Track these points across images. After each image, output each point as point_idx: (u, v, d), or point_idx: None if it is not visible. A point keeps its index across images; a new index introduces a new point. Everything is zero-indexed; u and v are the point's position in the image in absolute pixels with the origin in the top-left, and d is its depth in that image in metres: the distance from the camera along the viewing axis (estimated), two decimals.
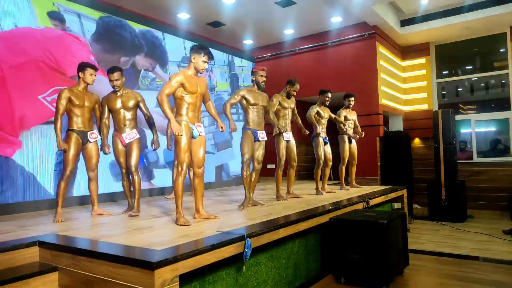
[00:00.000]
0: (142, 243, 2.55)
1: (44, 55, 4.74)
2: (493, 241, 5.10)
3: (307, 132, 4.99)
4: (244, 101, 4.22)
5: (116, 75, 3.87)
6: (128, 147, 3.95)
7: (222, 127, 3.63)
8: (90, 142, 3.88)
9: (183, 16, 6.90)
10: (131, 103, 3.96)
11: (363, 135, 6.05)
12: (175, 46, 6.73)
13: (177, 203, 3.27)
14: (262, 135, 4.26)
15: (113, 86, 3.89)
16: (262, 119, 4.32)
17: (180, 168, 3.27)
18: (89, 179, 3.95)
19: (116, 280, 2.21)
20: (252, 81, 4.33)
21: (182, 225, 3.14)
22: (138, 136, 4.00)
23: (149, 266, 2.04)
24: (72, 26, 5.13)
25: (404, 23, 7.76)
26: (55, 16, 4.97)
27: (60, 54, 4.90)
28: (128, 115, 3.97)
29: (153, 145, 4.03)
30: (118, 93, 3.95)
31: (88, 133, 3.87)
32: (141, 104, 4.03)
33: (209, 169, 7.22)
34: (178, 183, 3.27)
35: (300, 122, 5.12)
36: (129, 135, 3.93)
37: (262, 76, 4.28)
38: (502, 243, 4.95)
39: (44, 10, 4.85)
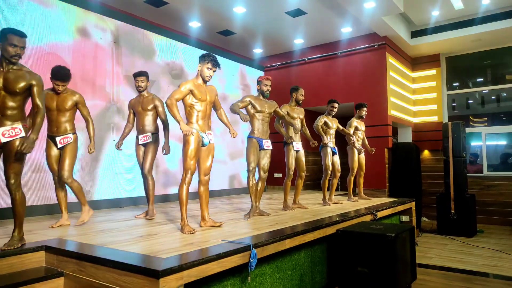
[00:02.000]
0: (148, 250, 2.55)
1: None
2: (503, 257, 4.99)
3: (316, 143, 4.97)
4: (251, 108, 4.21)
5: (23, 41, 2.77)
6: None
7: (234, 134, 3.65)
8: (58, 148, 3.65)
9: (194, 25, 6.98)
10: (20, 84, 2.73)
11: (373, 151, 6.01)
12: (194, 59, 6.78)
13: (182, 211, 3.27)
14: (267, 144, 4.25)
15: (14, 55, 2.72)
16: (268, 128, 4.32)
17: (185, 175, 3.28)
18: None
19: None
20: (258, 90, 4.35)
21: (188, 233, 3.14)
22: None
23: (155, 274, 2.04)
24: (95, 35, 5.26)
25: (415, 34, 7.75)
26: (84, 31, 5.13)
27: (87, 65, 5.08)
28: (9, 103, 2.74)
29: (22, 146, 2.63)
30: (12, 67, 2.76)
31: (57, 138, 3.65)
32: (33, 89, 2.78)
33: (224, 177, 7.28)
34: (182, 190, 3.27)
35: (309, 133, 5.09)
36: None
37: (266, 85, 4.27)
38: None
39: (73, 24, 5.01)
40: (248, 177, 4.12)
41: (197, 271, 2.24)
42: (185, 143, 3.28)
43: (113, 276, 2.25)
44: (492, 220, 7.46)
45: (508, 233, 6.66)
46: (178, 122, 3.22)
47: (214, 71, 3.42)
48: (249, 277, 2.68)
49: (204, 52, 3.64)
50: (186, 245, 2.71)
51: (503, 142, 8.02)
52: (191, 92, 3.33)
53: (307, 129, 5.11)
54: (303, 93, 4.89)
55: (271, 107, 4.33)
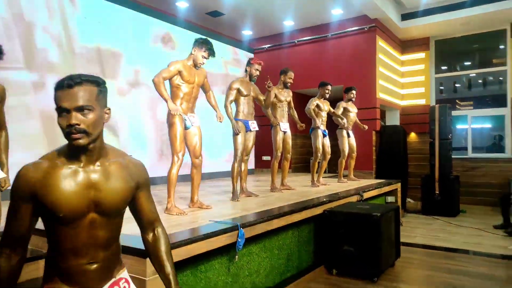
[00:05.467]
0: (135, 231, 2.56)
1: None
2: (483, 235, 5.16)
3: (304, 126, 4.98)
4: (237, 93, 4.17)
5: None
6: None
7: (220, 118, 3.64)
8: None
9: (182, 5, 6.83)
10: None
11: (366, 128, 6.06)
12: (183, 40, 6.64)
13: (170, 193, 3.27)
14: (254, 125, 4.23)
15: None
16: (253, 110, 4.29)
17: (176, 158, 3.28)
18: None
19: None
20: (246, 71, 4.27)
21: (177, 214, 3.16)
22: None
23: (142, 254, 2.06)
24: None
25: (405, 17, 7.73)
26: None
27: None
28: None
29: None
30: None
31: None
32: None
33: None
34: (172, 172, 3.28)
35: (296, 116, 5.09)
36: None
37: (257, 70, 4.23)
38: (492, 237, 5.02)
39: None
40: (234, 162, 4.09)
41: (185, 250, 2.27)
42: (171, 125, 3.27)
43: None
44: (475, 201, 7.66)
45: (489, 212, 6.86)
46: (166, 101, 3.21)
47: (207, 59, 3.40)
48: (236, 256, 2.73)
49: (201, 36, 3.53)
50: (174, 225, 2.73)
51: (488, 125, 8.16)
52: (179, 73, 3.30)
53: (295, 111, 5.11)
54: (292, 76, 4.85)
55: (255, 90, 4.32)
